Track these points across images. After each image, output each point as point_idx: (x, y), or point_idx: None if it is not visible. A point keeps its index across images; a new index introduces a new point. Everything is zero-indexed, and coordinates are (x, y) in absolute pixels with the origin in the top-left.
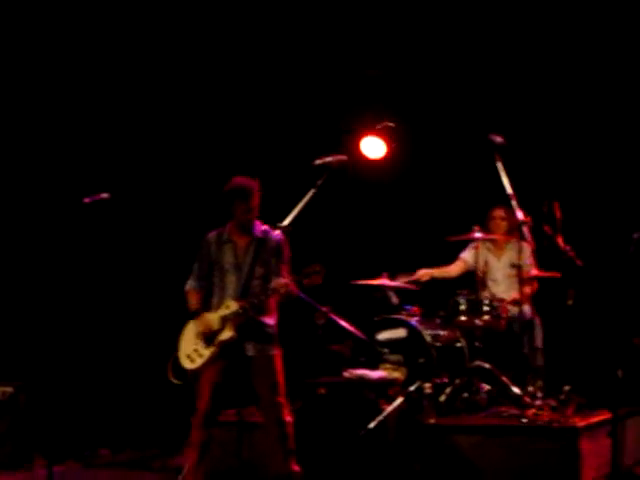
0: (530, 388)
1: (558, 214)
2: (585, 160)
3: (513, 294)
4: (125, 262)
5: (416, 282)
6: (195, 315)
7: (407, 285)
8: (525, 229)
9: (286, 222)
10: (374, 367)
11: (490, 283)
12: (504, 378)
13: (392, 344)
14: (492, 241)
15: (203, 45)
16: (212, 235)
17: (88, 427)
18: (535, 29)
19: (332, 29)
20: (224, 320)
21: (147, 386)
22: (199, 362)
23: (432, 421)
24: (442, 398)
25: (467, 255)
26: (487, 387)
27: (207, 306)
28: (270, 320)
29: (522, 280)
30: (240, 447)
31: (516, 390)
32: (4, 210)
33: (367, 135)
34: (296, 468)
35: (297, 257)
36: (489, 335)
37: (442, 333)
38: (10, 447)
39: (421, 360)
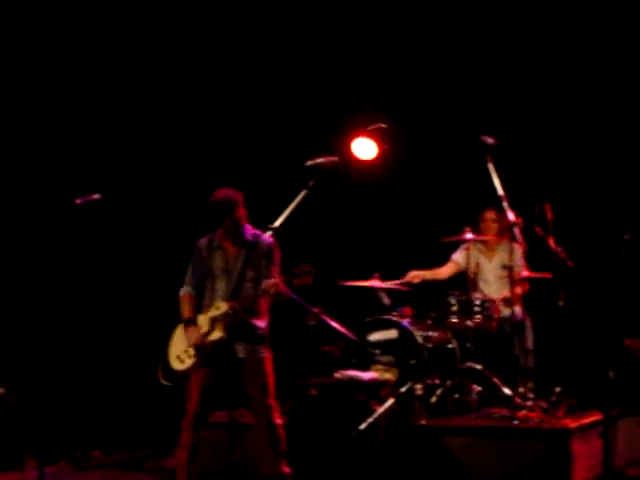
0: (521, 389)
1: (549, 215)
2: (576, 161)
3: (504, 292)
4: (117, 263)
5: (407, 284)
6: (187, 324)
7: (398, 286)
8: (516, 230)
9: (277, 223)
10: (365, 368)
11: (481, 284)
12: (495, 379)
13: (383, 345)
14: (483, 242)
15: (196, 47)
16: (203, 241)
17: (80, 428)
18: (526, 32)
19: (325, 31)
20: (214, 321)
21: (138, 387)
22: (189, 363)
23: (423, 422)
24: (433, 399)
25: (458, 256)
26: (478, 388)
27: (199, 310)
28: (261, 322)
29: (513, 281)
30: (231, 448)
31: (507, 391)
32: None
33: (358, 136)
34: (287, 470)
35: (288, 258)
36: (480, 336)
37: (433, 334)
38: (1, 448)
39: (412, 361)
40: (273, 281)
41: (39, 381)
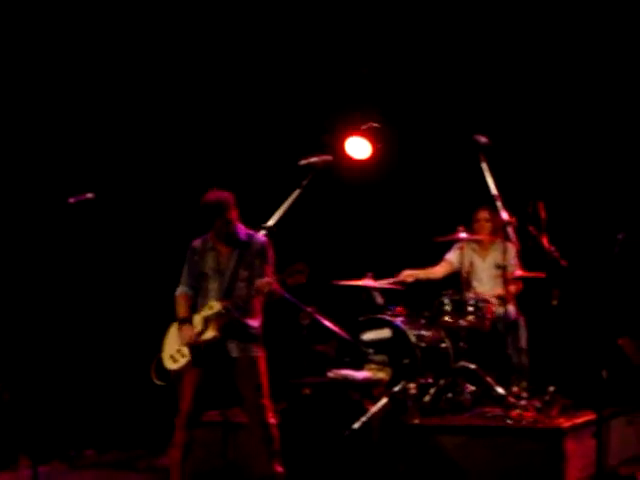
0: (515, 389)
1: (543, 214)
2: (570, 161)
3: (497, 290)
4: (110, 262)
5: (401, 283)
6: (182, 322)
7: (392, 285)
8: (510, 229)
9: (271, 222)
10: (359, 367)
11: (475, 284)
12: (488, 379)
13: (377, 344)
14: (477, 242)
15: (189, 47)
16: (197, 242)
17: (73, 427)
18: (519, 31)
19: (318, 29)
20: (207, 320)
21: (132, 387)
22: (182, 363)
23: (416, 421)
24: (426, 398)
25: (452, 256)
26: (471, 388)
27: (194, 310)
28: (254, 322)
29: (507, 280)
30: (225, 448)
31: (500, 391)
32: None
33: (352, 136)
34: (280, 469)
35: (282, 257)
36: (474, 336)
37: (427, 333)
38: None
39: (406, 360)
40: (266, 280)
41: (33, 380)
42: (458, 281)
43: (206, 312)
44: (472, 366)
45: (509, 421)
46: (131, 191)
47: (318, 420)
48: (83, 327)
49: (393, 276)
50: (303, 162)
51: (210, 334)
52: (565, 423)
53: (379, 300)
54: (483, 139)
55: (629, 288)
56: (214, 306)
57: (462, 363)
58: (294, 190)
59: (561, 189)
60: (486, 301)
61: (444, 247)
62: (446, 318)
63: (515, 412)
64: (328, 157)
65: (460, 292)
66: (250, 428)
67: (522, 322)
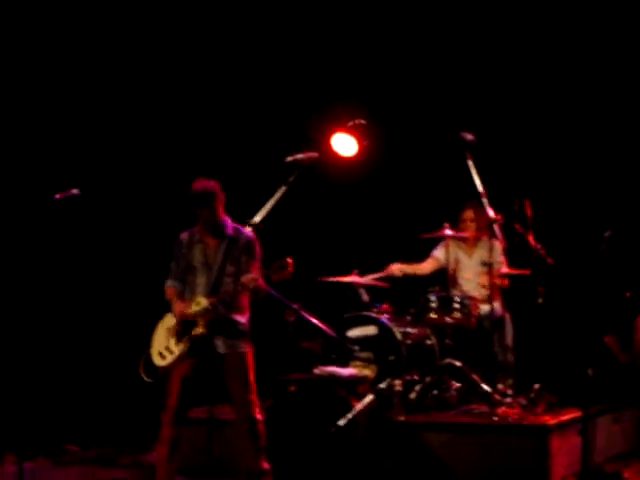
0: (500, 386)
1: (529, 212)
2: (556, 158)
3: (482, 279)
4: (96, 258)
5: (387, 278)
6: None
7: (378, 282)
8: (496, 227)
9: (257, 219)
10: (344, 364)
11: (461, 281)
12: (474, 376)
13: (362, 341)
14: (463, 239)
15: (172, 42)
16: (184, 235)
17: (58, 423)
18: (505, 28)
19: (304, 25)
20: (194, 317)
21: (117, 382)
22: (170, 359)
23: (402, 418)
24: (412, 395)
25: (438, 253)
26: (457, 385)
27: None
28: (242, 318)
29: (493, 277)
30: (210, 444)
31: (486, 388)
32: None
33: (338, 132)
34: (266, 465)
35: (268, 254)
36: (460, 333)
37: (412, 330)
38: None
39: (391, 357)
40: (251, 276)
41: (17, 376)
42: (444, 278)
43: (193, 308)
44: (458, 363)
45: (495, 418)
46: (117, 187)
47: (304, 417)
48: (69, 323)
49: (380, 270)
50: (289, 159)
51: (197, 330)
52: (551, 420)
53: (365, 297)
54: (469, 136)
55: (615, 286)
56: (201, 302)
57: (448, 360)
58: (280, 187)
59: (547, 187)
60: (472, 298)
61: (430, 244)
62: (432, 315)
63: (501, 409)
64: (314, 154)
65: (446, 289)
66: (237, 424)
67: (508, 319)
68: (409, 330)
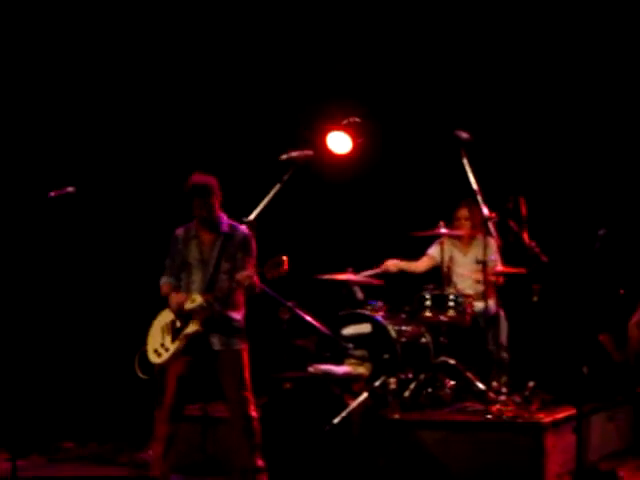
0: (495, 384)
1: (523, 210)
2: (550, 156)
3: (477, 276)
4: (91, 255)
5: (383, 273)
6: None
7: (372, 280)
8: (490, 225)
9: (252, 217)
10: (339, 362)
11: (456, 279)
12: (469, 374)
13: (357, 339)
14: (458, 237)
15: (167, 40)
16: (180, 231)
17: (53, 420)
18: (500, 26)
19: (299, 23)
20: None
21: (112, 379)
22: (165, 356)
23: (396, 416)
24: (407, 393)
25: (434, 251)
26: (452, 383)
27: None
28: (237, 314)
29: (487, 275)
30: (204, 442)
31: (481, 386)
32: None
33: (333, 130)
34: (261, 463)
35: (263, 252)
36: (454, 331)
37: (407, 328)
38: None
39: (386, 355)
40: (246, 273)
41: (12, 373)
42: (439, 276)
43: (188, 305)
44: (452, 361)
45: (489, 416)
46: (112, 185)
47: (298, 415)
48: (64, 320)
49: (376, 266)
50: (284, 157)
51: (193, 328)
52: (545, 418)
53: (359, 295)
54: (464, 135)
55: (609, 284)
56: (196, 299)
57: (442, 358)
58: (275, 185)
59: (542, 185)
60: (467, 296)
61: (426, 242)
62: (427, 313)
63: (495, 407)
64: (309, 152)
65: (441, 287)
66: (232, 421)
67: (503, 316)
68: (404, 328)
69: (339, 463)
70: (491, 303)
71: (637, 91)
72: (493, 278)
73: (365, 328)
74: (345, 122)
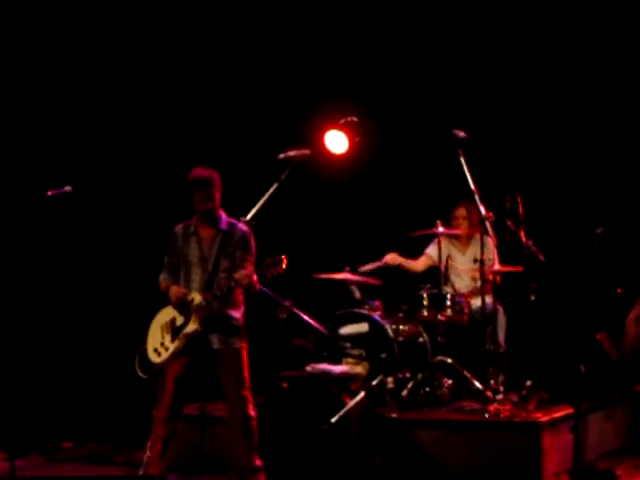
0: (492, 383)
1: (521, 209)
2: (548, 155)
3: (473, 273)
4: (89, 255)
5: (383, 267)
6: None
7: (370, 279)
8: (488, 224)
9: (249, 216)
10: (337, 361)
11: (454, 278)
12: (466, 373)
13: (354, 338)
14: (456, 236)
15: (165, 40)
16: (179, 228)
17: (51, 420)
18: (496, 26)
19: (298, 22)
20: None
21: (111, 379)
22: (165, 355)
23: (394, 415)
24: (404, 393)
25: (431, 250)
26: (449, 382)
27: None
28: (236, 313)
29: (485, 274)
30: (202, 441)
31: (478, 385)
32: None
33: (330, 129)
34: (259, 462)
35: (260, 251)
36: (451, 330)
37: (404, 328)
38: None
39: (383, 355)
40: (245, 273)
41: (10, 372)
42: (436, 275)
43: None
44: (449, 360)
45: (486, 415)
46: (110, 184)
47: (296, 414)
48: (63, 319)
49: (377, 259)
50: (281, 156)
51: (192, 327)
52: (543, 417)
53: (357, 294)
54: (461, 134)
55: (607, 283)
56: (195, 298)
57: (440, 357)
58: (272, 184)
59: (539, 184)
60: (464, 296)
61: (423, 241)
62: (424, 312)
63: (492, 406)
64: (306, 151)
65: (438, 286)
66: (230, 420)
67: (501, 311)
68: (401, 327)
69: (337, 462)
70: (488, 300)
71: (634, 89)
72: (491, 277)
73: (362, 327)
74: (342, 121)
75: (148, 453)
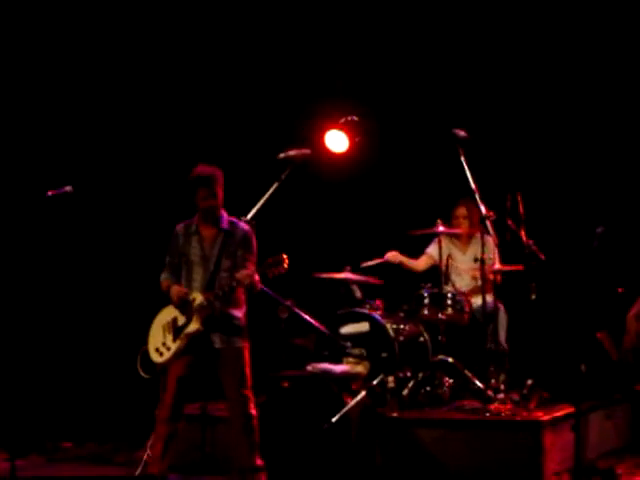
0: (493, 382)
1: (521, 208)
2: (548, 154)
3: (474, 272)
4: (90, 254)
5: (384, 264)
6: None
7: (371, 279)
8: (488, 223)
9: (250, 215)
10: (337, 361)
11: (454, 277)
12: (467, 372)
13: (355, 338)
14: (457, 236)
15: (165, 39)
16: (180, 227)
17: (52, 420)
18: (496, 25)
19: (298, 22)
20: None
21: (111, 378)
22: (167, 355)
23: (395, 414)
24: (405, 392)
25: (432, 249)
26: (450, 381)
27: None
28: (238, 312)
29: (485, 273)
30: (203, 441)
31: (479, 384)
32: None
33: (331, 129)
34: (260, 462)
35: (260, 250)
36: (452, 329)
37: (405, 327)
38: None
39: (384, 354)
40: (246, 272)
41: (11, 372)
42: (437, 274)
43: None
44: (450, 359)
45: (487, 414)
46: (110, 184)
47: (297, 413)
48: (63, 319)
49: (378, 257)
50: (282, 155)
51: (194, 327)
52: (543, 416)
53: (358, 294)
54: (462, 133)
55: (607, 282)
56: (197, 298)
57: (440, 356)
58: (273, 183)
59: (539, 183)
60: (465, 295)
61: (424, 240)
62: (425, 312)
63: (493, 405)
64: (306, 150)
65: (439, 286)
66: (231, 419)
67: (502, 309)
68: (402, 326)
69: (337, 461)
70: (489, 299)
71: (634, 88)
72: (491, 276)
73: (363, 327)
74: (343, 121)
75: (148, 452)
